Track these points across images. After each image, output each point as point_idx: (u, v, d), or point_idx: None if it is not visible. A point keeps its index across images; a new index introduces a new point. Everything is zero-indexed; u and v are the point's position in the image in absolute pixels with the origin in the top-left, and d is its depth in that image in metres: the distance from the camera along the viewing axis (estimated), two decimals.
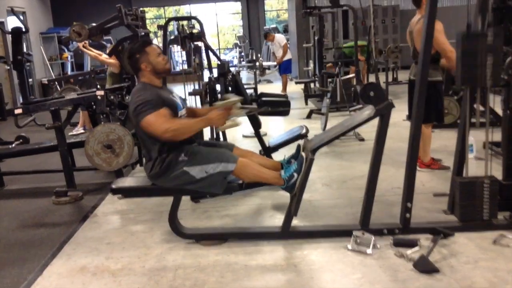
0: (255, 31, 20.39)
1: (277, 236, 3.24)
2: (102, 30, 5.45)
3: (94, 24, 5.52)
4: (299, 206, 3.04)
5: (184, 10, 24.02)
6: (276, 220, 3.63)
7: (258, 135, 4.53)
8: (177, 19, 7.50)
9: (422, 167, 4.52)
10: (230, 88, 4.27)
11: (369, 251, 2.97)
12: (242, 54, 16.72)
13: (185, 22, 7.43)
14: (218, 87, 4.39)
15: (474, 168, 3.61)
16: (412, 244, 3.00)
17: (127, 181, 3.29)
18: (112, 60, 6.54)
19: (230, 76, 4.36)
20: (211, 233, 3.34)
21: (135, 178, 3.31)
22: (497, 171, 3.46)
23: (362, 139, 5.93)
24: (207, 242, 3.25)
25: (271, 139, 4.63)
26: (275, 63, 10.64)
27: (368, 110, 3.14)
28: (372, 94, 3.07)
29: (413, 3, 4.26)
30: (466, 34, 3.01)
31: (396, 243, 3.04)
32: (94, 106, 4.92)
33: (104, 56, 6.81)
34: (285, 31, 16.47)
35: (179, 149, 3.05)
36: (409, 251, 2.93)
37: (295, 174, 3.05)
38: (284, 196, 4.06)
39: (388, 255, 2.94)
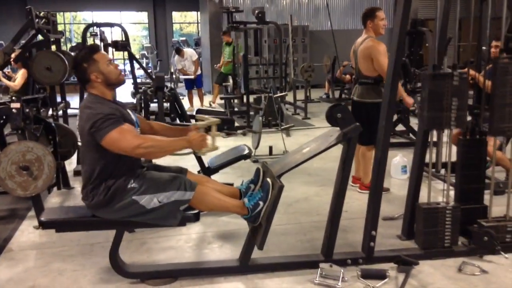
0: (162, 42, 19.81)
1: (235, 270, 2.92)
2: (23, 51, 4.84)
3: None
4: (265, 239, 2.75)
5: (82, 16, 22.70)
6: (228, 251, 3.30)
7: (196, 155, 4.16)
8: (98, 25, 6.88)
9: (363, 189, 4.45)
10: (169, 104, 3.87)
11: (338, 285, 2.77)
12: (150, 65, 16.09)
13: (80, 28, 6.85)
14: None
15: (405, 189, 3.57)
16: (380, 276, 2.85)
17: (59, 212, 2.76)
18: (23, 75, 5.87)
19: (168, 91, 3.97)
20: (159, 270, 2.91)
21: (69, 208, 2.79)
22: (435, 193, 3.44)
23: None
24: (154, 281, 2.83)
25: (210, 159, 4.27)
26: (190, 76, 10.24)
27: (334, 133, 2.96)
28: (340, 116, 2.89)
29: (362, 22, 4.21)
30: (433, 74, 2.94)
31: (364, 275, 2.86)
32: (2, 121, 4.23)
33: (17, 81, 6.12)
34: (197, 44, 16.14)
35: (128, 175, 2.62)
36: (378, 284, 2.78)
37: (261, 203, 2.75)
38: (231, 223, 3.76)
39: None
